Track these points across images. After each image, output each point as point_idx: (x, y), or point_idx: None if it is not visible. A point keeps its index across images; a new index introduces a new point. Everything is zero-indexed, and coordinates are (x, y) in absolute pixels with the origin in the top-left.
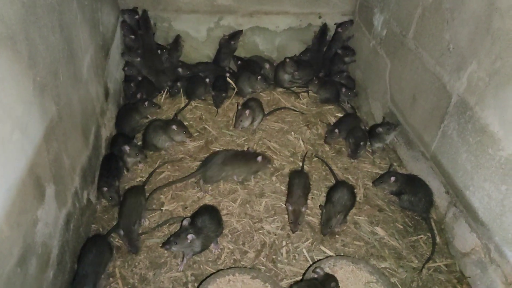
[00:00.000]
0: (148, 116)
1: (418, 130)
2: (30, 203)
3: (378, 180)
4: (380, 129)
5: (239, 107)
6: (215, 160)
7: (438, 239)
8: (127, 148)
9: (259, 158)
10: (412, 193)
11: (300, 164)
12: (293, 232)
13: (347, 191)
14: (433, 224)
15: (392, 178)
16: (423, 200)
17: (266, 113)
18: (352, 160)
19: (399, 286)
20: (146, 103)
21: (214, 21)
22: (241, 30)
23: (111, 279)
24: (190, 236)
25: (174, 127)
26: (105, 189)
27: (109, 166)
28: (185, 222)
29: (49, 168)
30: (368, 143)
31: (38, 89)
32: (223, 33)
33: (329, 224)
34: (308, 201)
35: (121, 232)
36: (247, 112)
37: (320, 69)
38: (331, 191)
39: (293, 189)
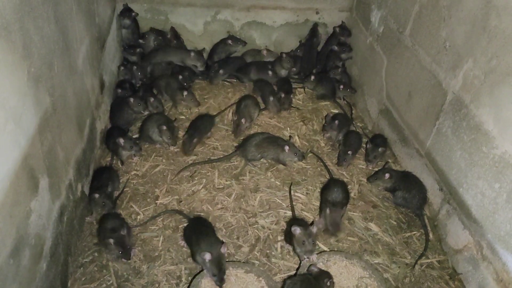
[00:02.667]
0: (142, 111)
1: (413, 127)
2: (23, 195)
3: (373, 177)
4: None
5: (233, 113)
6: (251, 141)
7: (431, 236)
8: (121, 141)
9: (286, 148)
10: (406, 189)
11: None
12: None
13: (341, 188)
14: (426, 220)
15: (387, 175)
16: (417, 197)
17: (261, 108)
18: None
19: (392, 281)
20: (131, 100)
21: (211, 14)
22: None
23: (104, 271)
24: (207, 256)
25: (164, 127)
26: (96, 195)
27: (101, 176)
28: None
29: (43, 160)
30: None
31: (33, 80)
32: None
33: (338, 221)
34: (303, 196)
35: (111, 241)
36: (243, 120)
37: (315, 65)
38: (326, 191)
39: None
